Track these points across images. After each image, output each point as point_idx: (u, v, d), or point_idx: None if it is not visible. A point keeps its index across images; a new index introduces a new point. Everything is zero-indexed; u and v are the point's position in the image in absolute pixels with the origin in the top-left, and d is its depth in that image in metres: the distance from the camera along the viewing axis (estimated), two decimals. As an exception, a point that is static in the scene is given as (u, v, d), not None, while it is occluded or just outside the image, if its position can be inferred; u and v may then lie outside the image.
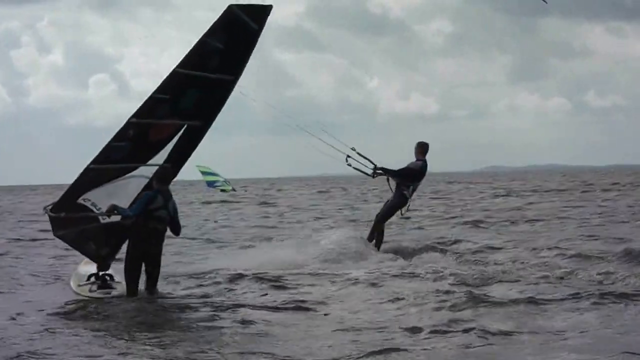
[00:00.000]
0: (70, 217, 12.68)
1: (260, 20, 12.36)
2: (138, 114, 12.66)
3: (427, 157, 16.86)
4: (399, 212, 16.87)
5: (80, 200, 12.71)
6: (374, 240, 16.99)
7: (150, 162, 12.74)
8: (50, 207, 12.84)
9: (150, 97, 12.62)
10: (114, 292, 12.57)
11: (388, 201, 17.01)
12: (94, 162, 12.78)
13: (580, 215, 28.46)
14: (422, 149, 16.84)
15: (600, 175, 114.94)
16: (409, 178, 16.67)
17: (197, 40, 12.47)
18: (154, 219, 12.14)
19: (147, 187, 12.68)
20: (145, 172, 12.79)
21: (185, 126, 12.71)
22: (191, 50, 12.52)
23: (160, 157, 12.76)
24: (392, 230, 20.89)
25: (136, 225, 12.14)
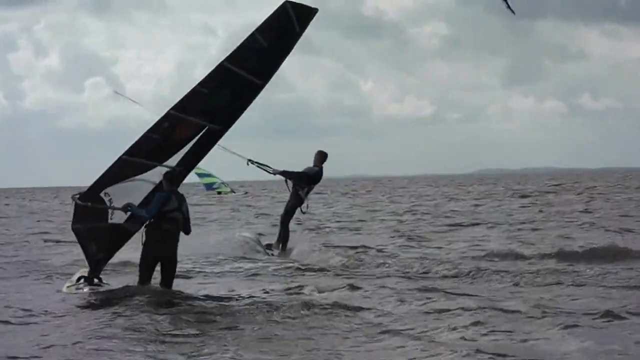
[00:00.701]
0: (93, 208, 12.78)
1: (304, 22, 12.23)
2: (177, 105, 12.66)
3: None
4: (299, 210, 18.72)
5: (103, 193, 12.82)
6: (282, 239, 19.11)
7: (165, 163, 12.74)
8: (78, 195, 12.94)
9: (193, 89, 12.60)
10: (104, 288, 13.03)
11: (288, 203, 18.94)
12: (126, 153, 12.85)
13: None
14: (321, 157, 18.66)
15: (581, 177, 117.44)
16: (304, 181, 18.53)
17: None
18: (168, 220, 12.32)
19: (155, 188, 12.75)
20: (153, 176, 12.83)
21: (206, 128, 12.66)
22: (241, 44, 12.42)
23: (175, 159, 12.75)
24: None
25: (151, 227, 12.33)
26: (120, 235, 12.86)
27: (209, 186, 68.35)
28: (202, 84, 12.52)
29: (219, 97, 12.52)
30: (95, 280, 13.17)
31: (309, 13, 12.18)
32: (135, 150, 12.79)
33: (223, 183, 68.73)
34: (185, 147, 12.69)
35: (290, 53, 12.40)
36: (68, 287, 13.31)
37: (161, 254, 12.44)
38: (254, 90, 12.50)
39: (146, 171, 12.78)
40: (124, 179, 12.79)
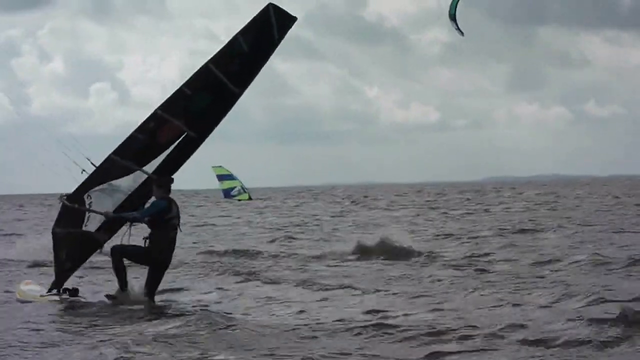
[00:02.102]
0: (76, 213, 12.51)
1: (284, 29, 12.14)
2: (164, 104, 12.45)
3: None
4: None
5: (86, 195, 12.54)
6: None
7: (144, 168, 12.44)
8: (65, 196, 12.61)
9: (179, 89, 12.45)
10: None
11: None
12: (115, 152, 12.62)
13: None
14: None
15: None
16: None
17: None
18: (172, 228, 12.31)
19: (132, 194, 12.48)
20: (129, 181, 12.54)
21: (185, 135, 12.38)
22: (223, 47, 12.35)
23: (153, 165, 12.44)
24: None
25: (157, 235, 12.24)
26: (90, 246, 12.65)
27: (228, 192, 63.75)
28: (187, 84, 12.40)
29: (201, 101, 12.31)
30: (75, 292, 12.84)
31: (288, 20, 12.14)
32: (121, 150, 12.56)
33: (243, 188, 64.40)
34: (163, 154, 12.42)
35: (269, 61, 12.24)
36: (42, 296, 12.88)
37: (163, 260, 12.46)
38: (231, 98, 12.33)
39: (124, 176, 12.51)
40: (110, 181, 12.55)
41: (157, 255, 12.32)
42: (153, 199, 12.46)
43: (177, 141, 12.43)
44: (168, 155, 12.46)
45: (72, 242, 12.61)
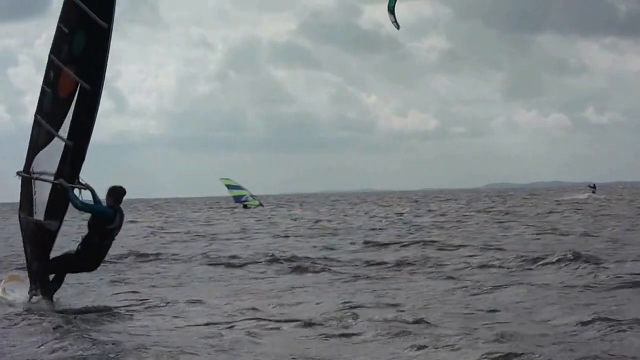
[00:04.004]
0: (29, 195, 12.14)
1: None
2: (52, 48, 11.82)
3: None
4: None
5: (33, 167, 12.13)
6: None
7: (60, 133, 11.59)
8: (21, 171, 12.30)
9: (58, 26, 11.72)
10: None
11: None
12: (37, 110, 12.13)
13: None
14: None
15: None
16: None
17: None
18: (110, 237, 12.20)
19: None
20: (54, 154, 11.72)
21: (79, 88, 11.36)
22: None
23: (64, 129, 11.55)
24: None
25: (92, 240, 12.08)
26: (45, 236, 12.03)
27: (239, 199, 65.19)
28: (61, 20, 11.66)
29: (79, 42, 11.38)
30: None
31: None
32: (40, 107, 12.06)
33: (252, 196, 65.98)
34: (70, 113, 11.49)
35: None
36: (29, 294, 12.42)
37: (92, 265, 12.36)
38: (103, 35, 11.14)
39: (50, 142, 11.79)
40: (41, 145, 12.01)
41: (86, 261, 12.16)
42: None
43: (76, 97, 11.46)
44: (74, 114, 11.50)
45: (31, 234, 12.26)
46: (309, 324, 10.78)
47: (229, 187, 69.49)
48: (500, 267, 17.15)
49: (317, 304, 12.66)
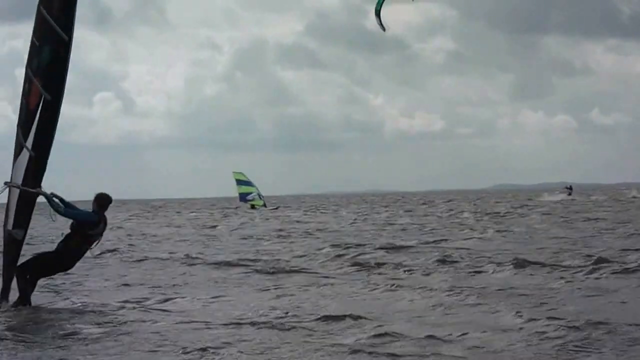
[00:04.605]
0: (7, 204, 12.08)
1: None
2: (27, 60, 11.93)
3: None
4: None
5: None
6: None
7: (26, 143, 11.74)
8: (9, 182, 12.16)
9: (31, 39, 11.83)
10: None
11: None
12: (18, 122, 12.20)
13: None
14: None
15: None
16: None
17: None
18: (89, 242, 12.23)
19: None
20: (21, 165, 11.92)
21: (42, 99, 11.53)
22: None
23: (30, 141, 11.70)
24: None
25: (72, 243, 12.17)
26: (13, 245, 12.10)
27: (243, 197, 64.34)
28: (34, 32, 11.77)
29: (45, 54, 11.52)
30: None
31: None
32: (19, 117, 12.12)
33: (259, 195, 64.97)
34: (34, 123, 11.64)
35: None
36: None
37: (64, 267, 12.46)
38: (65, 47, 11.33)
39: (21, 152, 11.91)
40: (15, 155, 12.09)
41: (60, 263, 12.20)
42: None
43: (40, 108, 11.66)
44: (37, 125, 11.67)
45: (6, 243, 12.25)
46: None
47: (239, 181, 69.09)
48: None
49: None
